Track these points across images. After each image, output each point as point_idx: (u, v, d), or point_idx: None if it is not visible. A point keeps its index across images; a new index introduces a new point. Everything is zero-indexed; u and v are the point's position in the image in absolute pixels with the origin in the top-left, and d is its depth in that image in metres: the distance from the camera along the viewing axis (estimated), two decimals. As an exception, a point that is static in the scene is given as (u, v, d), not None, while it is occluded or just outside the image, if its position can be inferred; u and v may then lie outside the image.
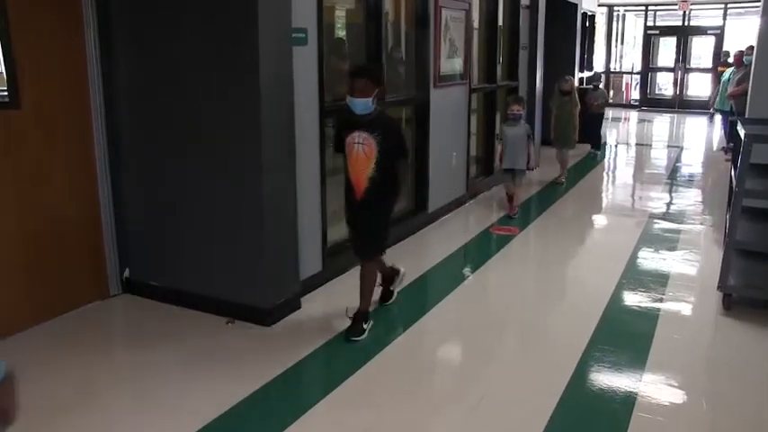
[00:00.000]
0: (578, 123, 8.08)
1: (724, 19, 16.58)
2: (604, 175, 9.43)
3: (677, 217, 6.49)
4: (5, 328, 3.59)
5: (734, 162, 5.72)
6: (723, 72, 12.44)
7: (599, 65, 16.79)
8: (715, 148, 11.17)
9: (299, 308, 4.02)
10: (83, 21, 3.80)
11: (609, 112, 16.19)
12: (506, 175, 6.33)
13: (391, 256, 5.10)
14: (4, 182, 3.54)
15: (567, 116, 8.01)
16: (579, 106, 8.12)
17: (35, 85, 3.60)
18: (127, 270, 4.23)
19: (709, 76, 16.13)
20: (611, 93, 18.52)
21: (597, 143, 10.16)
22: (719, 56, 14.71)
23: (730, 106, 9.86)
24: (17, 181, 3.60)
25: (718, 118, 12.55)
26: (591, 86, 10.36)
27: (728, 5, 16.38)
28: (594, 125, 10.06)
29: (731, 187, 5.56)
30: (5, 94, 3.51)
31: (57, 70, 3.72)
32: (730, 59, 12.85)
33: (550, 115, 8.38)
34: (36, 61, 3.59)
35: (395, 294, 4.18)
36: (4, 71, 3.48)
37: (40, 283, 3.77)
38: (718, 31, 16.49)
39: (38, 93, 3.62)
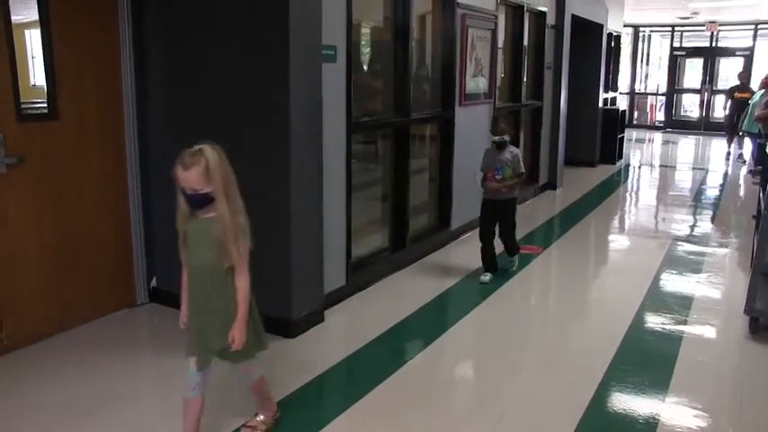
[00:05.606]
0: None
1: (754, 40, 16.41)
2: (627, 196, 9.37)
3: (702, 239, 6.43)
4: (37, 333, 3.68)
5: (762, 185, 5.67)
6: (739, 98, 12.20)
7: (624, 85, 16.73)
8: (742, 171, 11.04)
9: (323, 321, 4.06)
10: (119, 34, 3.93)
11: (633, 133, 16.26)
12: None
13: (415, 272, 5.15)
14: (42, 192, 3.65)
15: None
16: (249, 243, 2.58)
17: (72, 97, 3.72)
18: (154, 279, 4.31)
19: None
20: (636, 114, 18.43)
21: (492, 264, 4.98)
22: (742, 78, 13.02)
23: (759, 129, 9.76)
24: (53, 191, 3.71)
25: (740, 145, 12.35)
26: (494, 140, 4.78)
27: (759, 26, 16.22)
28: (497, 218, 4.92)
29: (759, 210, 5.51)
30: (44, 105, 3.64)
31: (93, 82, 3.84)
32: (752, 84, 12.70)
33: None
34: (74, 73, 3.72)
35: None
36: (44, 84, 3.60)
37: (71, 290, 3.86)
38: (748, 53, 16.31)
39: (75, 104, 3.74)
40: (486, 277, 4.92)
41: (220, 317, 2.51)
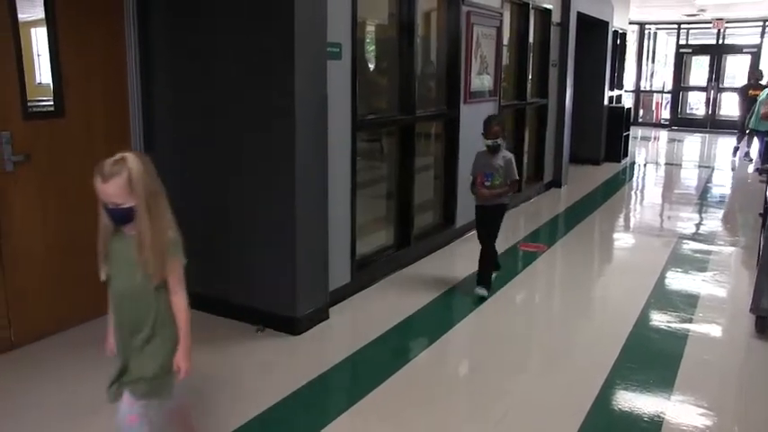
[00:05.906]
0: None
1: (762, 37, 16.29)
2: (633, 194, 9.35)
3: (708, 238, 6.40)
4: (40, 331, 3.70)
5: (768, 183, 5.65)
6: (754, 96, 12.08)
7: (629, 83, 16.65)
8: (749, 169, 10.99)
9: (328, 318, 4.06)
10: (124, 35, 3.94)
11: (638, 131, 16.20)
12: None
13: (419, 270, 5.15)
14: (47, 190, 3.66)
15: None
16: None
17: (78, 95, 3.73)
18: (159, 277, 4.31)
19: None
20: (641, 112, 18.34)
21: (487, 279, 4.56)
22: (752, 76, 13.25)
23: (766, 127, 9.70)
24: (59, 189, 3.72)
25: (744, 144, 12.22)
26: (487, 143, 4.45)
27: (767, 23, 16.11)
28: (485, 230, 4.62)
29: (765, 208, 5.49)
30: (51, 103, 3.65)
31: (99, 82, 3.85)
32: (763, 81, 12.58)
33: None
34: (80, 72, 3.72)
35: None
36: (50, 82, 3.61)
37: (75, 288, 3.86)
38: (755, 50, 16.19)
39: (81, 102, 3.75)
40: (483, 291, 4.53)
41: (144, 345, 2.25)
